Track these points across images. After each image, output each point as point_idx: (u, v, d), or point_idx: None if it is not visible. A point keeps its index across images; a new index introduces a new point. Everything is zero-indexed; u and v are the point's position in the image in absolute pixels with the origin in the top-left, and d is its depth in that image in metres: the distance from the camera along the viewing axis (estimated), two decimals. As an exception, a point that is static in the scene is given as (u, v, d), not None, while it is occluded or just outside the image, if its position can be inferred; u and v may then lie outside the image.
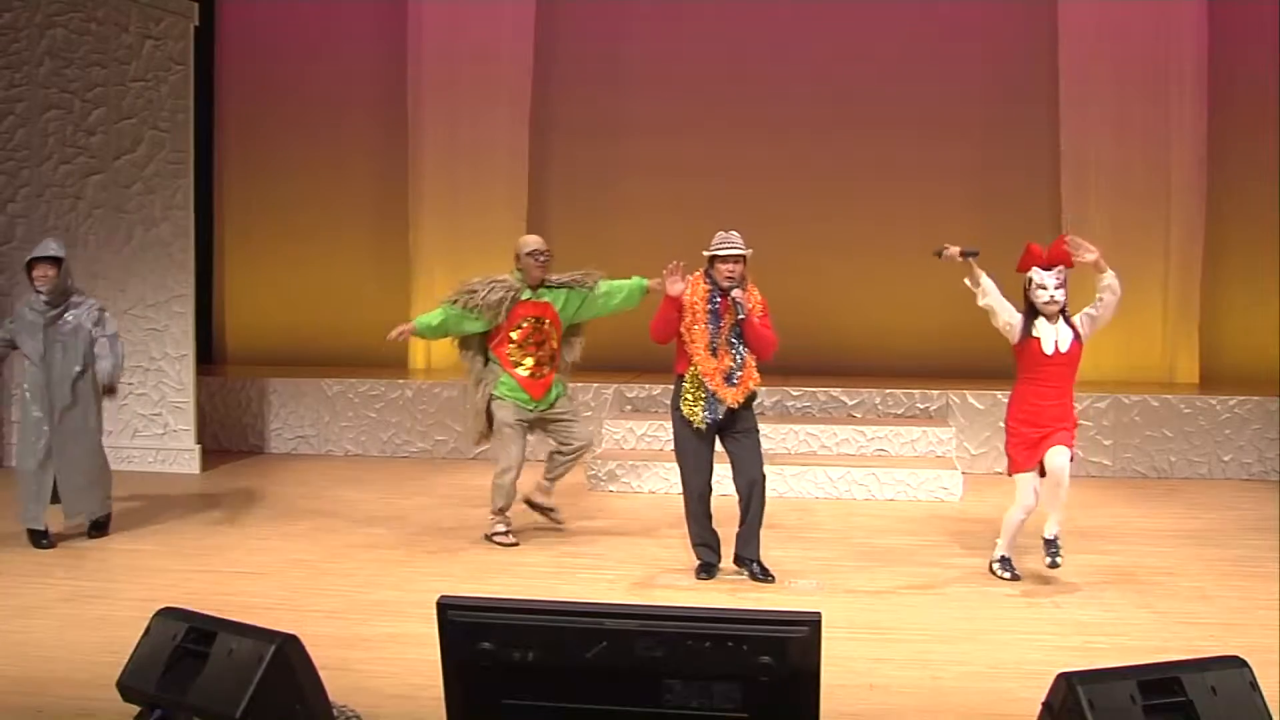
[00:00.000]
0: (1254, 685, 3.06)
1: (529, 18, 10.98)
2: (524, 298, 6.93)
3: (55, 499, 6.95)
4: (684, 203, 10.76)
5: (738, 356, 6.07)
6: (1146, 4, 10.28)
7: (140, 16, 9.36)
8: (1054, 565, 6.00)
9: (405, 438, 10.13)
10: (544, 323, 6.96)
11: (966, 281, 6.11)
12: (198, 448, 9.39)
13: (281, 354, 11.44)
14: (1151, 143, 10.34)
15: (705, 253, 6.10)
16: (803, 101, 10.90)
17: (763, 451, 6.28)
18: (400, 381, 10.25)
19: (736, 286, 6.03)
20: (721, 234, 6.11)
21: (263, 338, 11.61)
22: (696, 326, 6.07)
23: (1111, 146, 10.36)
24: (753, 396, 6.19)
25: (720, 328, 6.06)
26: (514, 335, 6.93)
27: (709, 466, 6.19)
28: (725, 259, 6.02)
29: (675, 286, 6.06)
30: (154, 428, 9.46)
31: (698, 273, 6.15)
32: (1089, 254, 5.94)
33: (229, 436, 10.27)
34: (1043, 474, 6.04)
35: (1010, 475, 6.18)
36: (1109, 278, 5.96)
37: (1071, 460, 5.99)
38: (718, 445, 6.23)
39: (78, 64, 9.40)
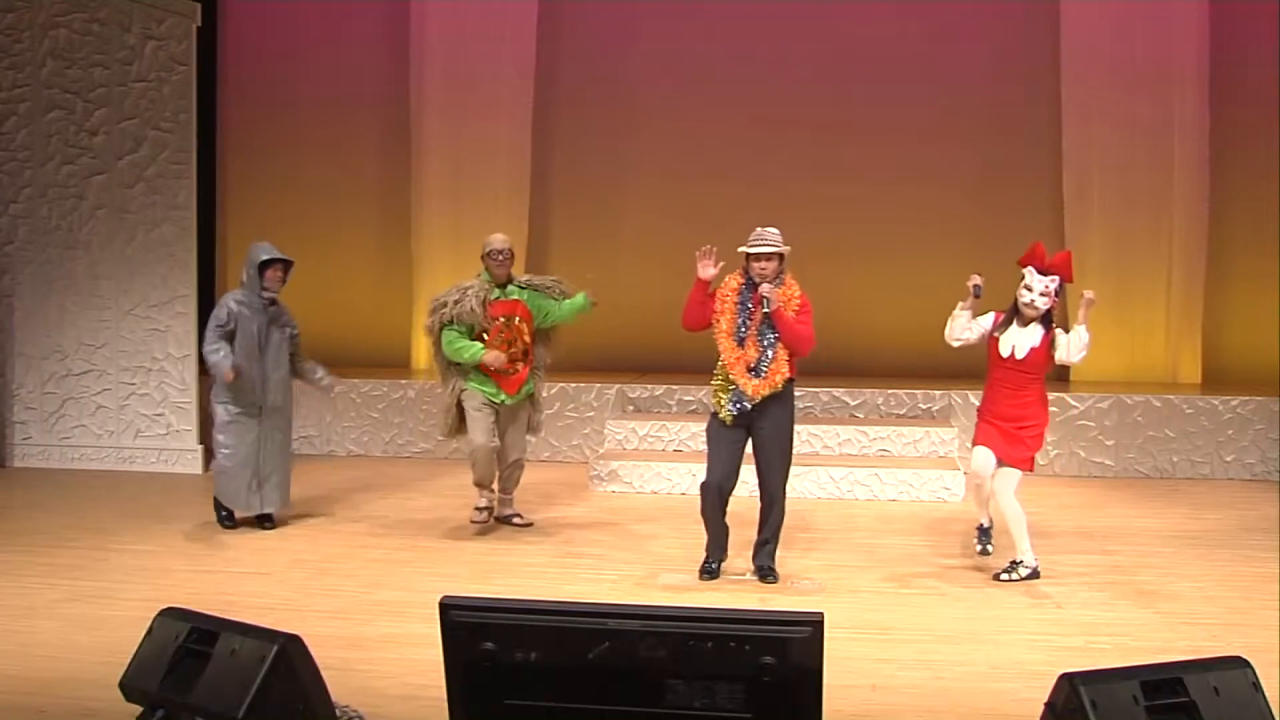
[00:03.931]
0: (1256, 685, 3.06)
1: (531, 19, 10.98)
2: (493, 297, 7.05)
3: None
4: (685, 204, 10.75)
5: (767, 350, 6.01)
6: (1148, 4, 10.26)
7: (142, 17, 9.37)
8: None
9: (407, 438, 10.13)
10: (514, 320, 7.07)
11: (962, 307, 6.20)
12: (200, 448, 9.38)
13: (284, 354, 11.42)
14: (1154, 143, 10.32)
15: (740, 249, 6.06)
16: (804, 103, 10.88)
17: (791, 457, 6.15)
18: (402, 382, 10.25)
19: (769, 282, 5.98)
20: (758, 230, 6.06)
21: (265, 338, 11.59)
22: (725, 316, 6.06)
23: (1114, 147, 10.34)
24: (785, 393, 6.06)
25: (750, 319, 6.03)
26: (486, 334, 7.05)
27: (730, 461, 6.07)
28: (758, 256, 6.00)
29: (706, 271, 6.03)
30: (157, 428, 9.47)
31: (737, 270, 6.12)
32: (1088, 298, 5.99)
33: (231, 437, 10.26)
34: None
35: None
36: (1081, 329, 5.96)
37: (1029, 469, 6.14)
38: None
39: (80, 64, 9.42)
